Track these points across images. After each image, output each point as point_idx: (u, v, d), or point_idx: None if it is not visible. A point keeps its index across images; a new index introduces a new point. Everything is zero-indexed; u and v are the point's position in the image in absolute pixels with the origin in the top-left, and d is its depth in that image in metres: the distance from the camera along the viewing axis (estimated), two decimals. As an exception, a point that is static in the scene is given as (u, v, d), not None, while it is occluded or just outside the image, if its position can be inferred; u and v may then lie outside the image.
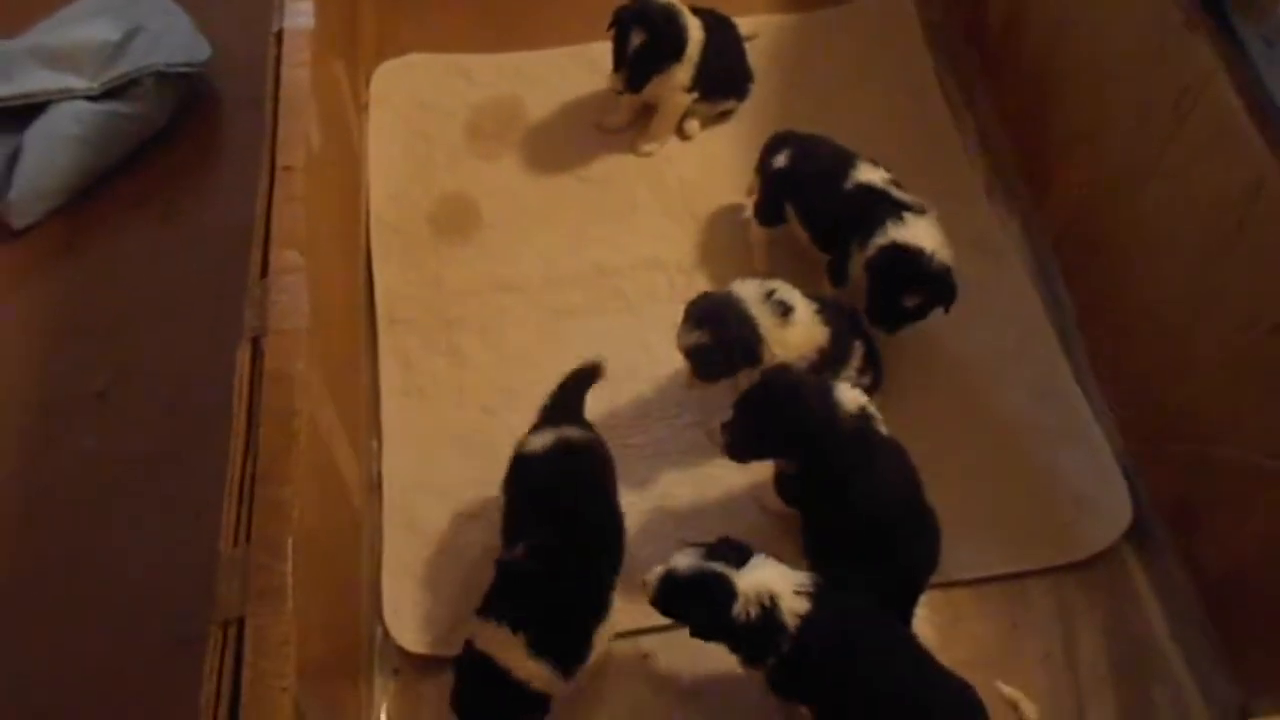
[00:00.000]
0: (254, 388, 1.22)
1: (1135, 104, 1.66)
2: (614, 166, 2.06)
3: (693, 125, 2.10)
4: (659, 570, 1.39)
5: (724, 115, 2.13)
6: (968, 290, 1.89)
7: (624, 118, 2.09)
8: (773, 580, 1.37)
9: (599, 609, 1.46)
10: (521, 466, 1.54)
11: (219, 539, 1.17)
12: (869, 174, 1.79)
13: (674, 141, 2.10)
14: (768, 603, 1.35)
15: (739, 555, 1.38)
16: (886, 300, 1.70)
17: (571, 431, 1.55)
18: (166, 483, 1.76)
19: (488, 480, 1.68)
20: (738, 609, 1.34)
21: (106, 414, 1.86)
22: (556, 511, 1.48)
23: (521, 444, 1.56)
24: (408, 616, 1.59)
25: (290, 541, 1.11)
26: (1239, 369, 1.49)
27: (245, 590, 1.09)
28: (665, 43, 1.93)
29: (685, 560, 1.38)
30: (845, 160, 1.81)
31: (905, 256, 1.68)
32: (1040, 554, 1.65)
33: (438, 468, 1.73)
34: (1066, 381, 1.81)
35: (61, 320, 1.97)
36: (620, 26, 1.92)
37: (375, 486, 1.70)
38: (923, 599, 1.61)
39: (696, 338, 1.57)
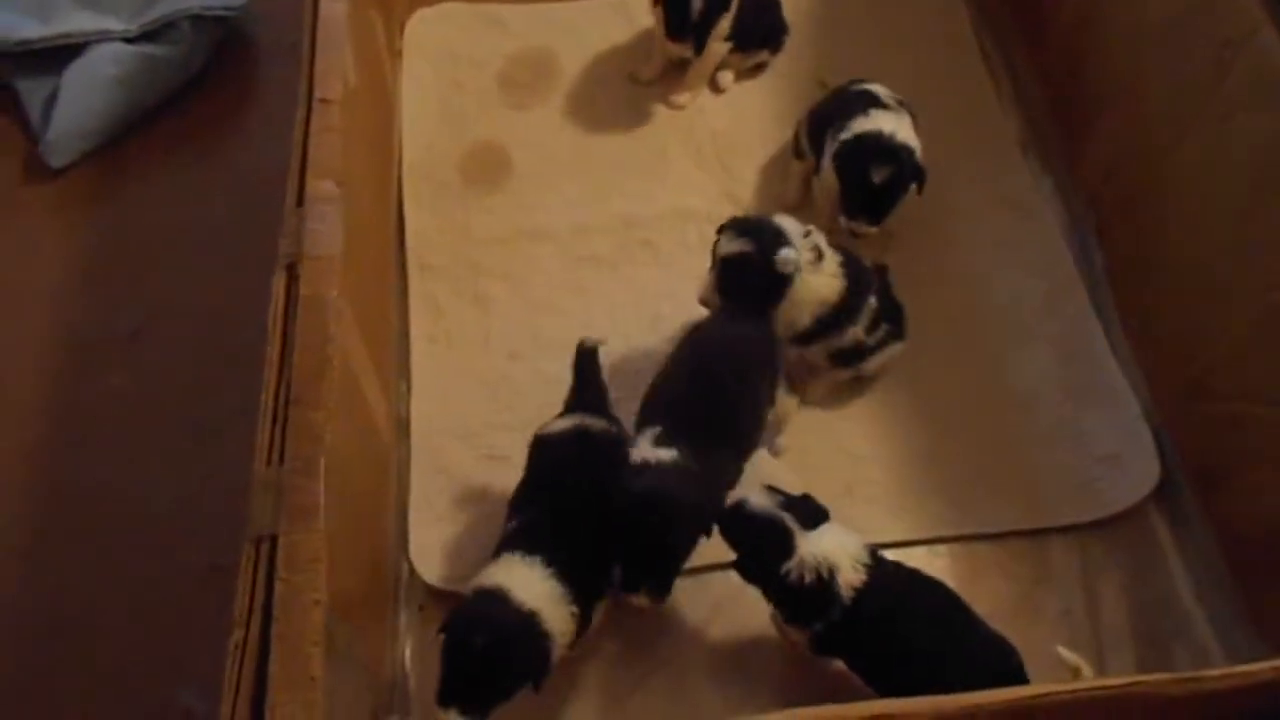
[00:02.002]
0: (288, 314, 1.23)
1: (1175, 58, 1.64)
2: (646, 118, 2.06)
3: (726, 77, 2.09)
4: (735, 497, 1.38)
5: (757, 69, 2.12)
6: (998, 245, 1.90)
7: (657, 69, 2.08)
8: (835, 552, 1.35)
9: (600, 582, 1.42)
10: (540, 447, 1.53)
11: (250, 467, 1.19)
12: (872, 89, 1.82)
13: (706, 94, 2.10)
14: (825, 574, 1.33)
15: (813, 516, 1.37)
16: (854, 185, 1.72)
17: (591, 421, 1.52)
18: (198, 419, 1.78)
19: (513, 424, 1.70)
20: (791, 570, 1.33)
21: (139, 352, 1.88)
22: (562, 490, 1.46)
23: (543, 427, 1.54)
24: (433, 554, 1.60)
25: (322, 462, 1.12)
26: (1270, 327, 1.47)
27: (278, 508, 1.10)
28: None
29: (759, 499, 1.37)
30: (863, 92, 1.83)
31: (865, 139, 1.72)
32: (1064, 511, 1.64)
33: (464, 411, 1.74)
34: (1096, 339, 1.80)
35: (96, 259, 2.00)
36: None
37: (403, 427, 1.72)
38: (943, 550, 1.63)
39: (740, 245, 1.54)
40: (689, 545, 1.38)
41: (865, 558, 1.37)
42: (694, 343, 1.55)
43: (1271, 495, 1.49)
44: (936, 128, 1.87)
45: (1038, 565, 1.62)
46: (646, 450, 1.40)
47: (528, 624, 1.30)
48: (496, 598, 1.31)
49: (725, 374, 1.48)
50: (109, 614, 1.63)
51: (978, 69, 2.12)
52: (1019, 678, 1.35)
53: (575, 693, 1.50)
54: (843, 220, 1.78)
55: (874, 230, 1.77)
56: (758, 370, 1.52)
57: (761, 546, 1.36)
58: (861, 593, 1.34)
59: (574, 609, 1.34)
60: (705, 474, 1.40)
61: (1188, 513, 1.64)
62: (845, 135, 1.75)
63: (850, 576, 1.34)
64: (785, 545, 1.34)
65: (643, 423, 1.47)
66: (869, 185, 1.71)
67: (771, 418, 1.60)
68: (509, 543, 1.41)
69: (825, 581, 1.33)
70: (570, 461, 1.48)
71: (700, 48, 1.96)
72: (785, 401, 1.63)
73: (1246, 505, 1.54)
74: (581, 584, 1.37)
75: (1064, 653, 1.38)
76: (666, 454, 1.38)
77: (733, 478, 1.48)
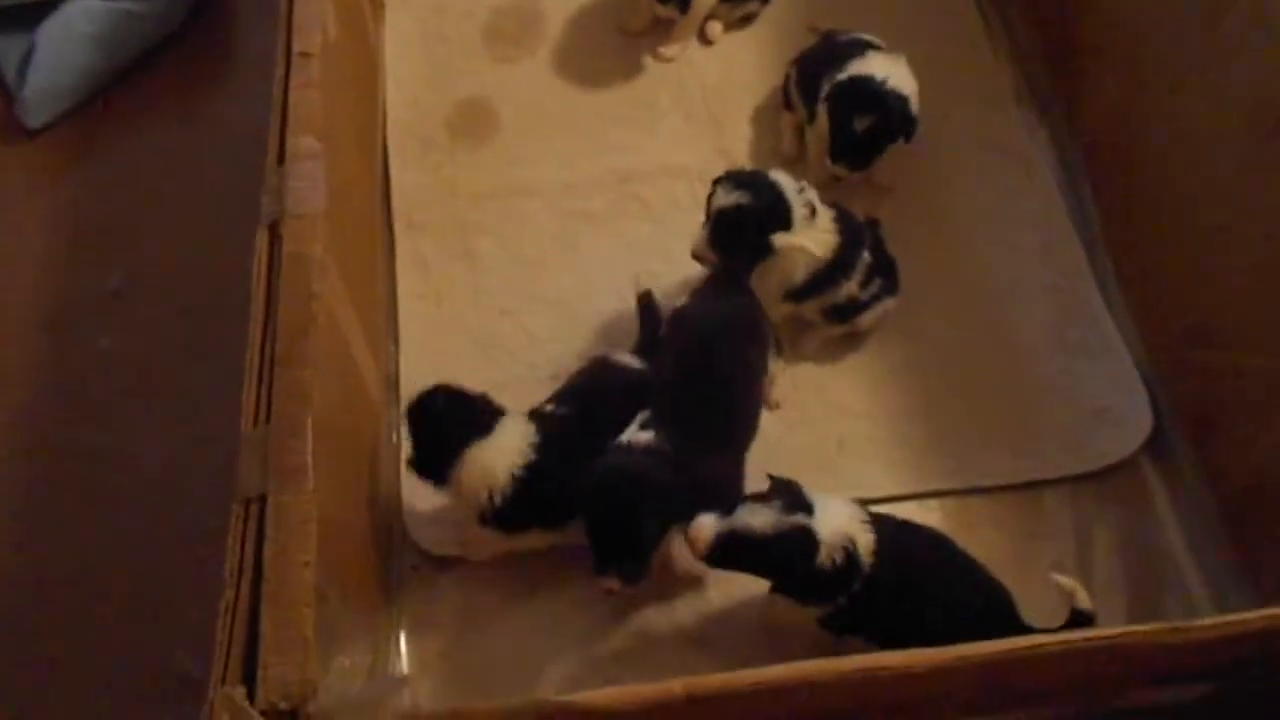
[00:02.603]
0: (272, 272, 1.21)
1: (1171, 5, 1.61)
2: (635, 70, 2.03)
3: (715, 29, 2.05)
4: (713, 526, 1.29)
5: (746, 19, 2.08)
6: (992, 197, 1.88)
7: (645, 20, 2.04)
8: (847, 522, 1.32)
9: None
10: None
11: (237, 429, 1.18)
12: (864, 38, 1.81)
13: (695, 46, 2.06)
14: (850, 546, 1.30)
15: (803, 500, 1.32)
16: (839, 129, 1.71)
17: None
18: (182, 380, 1.78)
19: (505, 383, 1.68)
20: (823, 560, 1.29)
21: (121, 313, 1.87)
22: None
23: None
24: (425, 517, 1.59)
25: (310, 422, 1.11)
26: (1269, 275, 1.46)
27: (266, 469, 1.09)
28: None
29: (761, 517, 1.29)
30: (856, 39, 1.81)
31: (855, 83, 1.71)
32: (1057, 463, 1.64)
33: (455, 370, 1.70)
34: (1090, 290, 1.78)
35: (77, 220, 1.97)
36: None
37: (393, 387, 1.70)
38: (935, 504, 1.63)
39: (736, 198, 1.53)
40: (657, 527, 1.34)
41: (865, 517, 1.35)
42: (680, 325, 1.51)
43: (1265, 446, 1.49)
44: (929, 77, 1.83)
45: (1031, 518, 1.62)
46: (630, 432, 1.37)
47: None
48: None
49: (714, 356, 1.45)
50: (103, 576, 1.63)
51: (971, 17, 2.09)
52: (1015, 618, 1.38)
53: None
54: (827, 163, 1.76)
55: (854, 175, 1.77)
56: (747, 348, 1.50)
57: (792, 559, 1.30)
58: (877, 554, 1.32)
59: None
60: (688, 458, 1.36)
61: (1181, 464, 1.63)
62: (840, 77, 1.73)
63: (865, 541, 1.32)
64: (810, 544, 1.29)
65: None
66: (851, 132, 1.69)
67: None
68: None
69: (850, 553, 1.30)
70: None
71: (685, 6, 1.94)
72: (773, 364, 1.61)
73: (1240, 456, 1.54)
74: None
75: (1057, 578, 1.39)
76: (643, 435, 1.36)
77: (734, 466, 1.45)
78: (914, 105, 1.75)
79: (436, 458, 1.42)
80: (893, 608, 1.34)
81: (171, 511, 1.67)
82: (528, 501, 1.42)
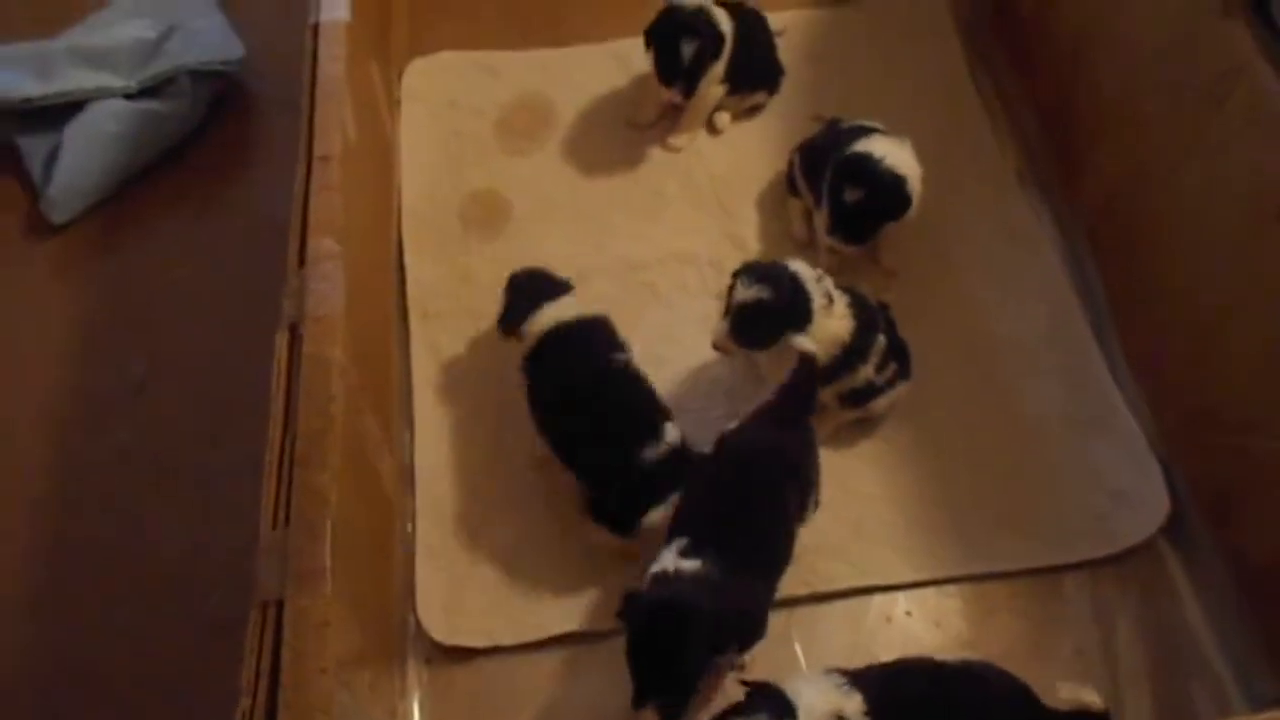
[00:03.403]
0: (292, 373, 1.23)
1: (1169, 91, 1.65)
2: (644, 161, 2.07)
3: (723, 119, 2.10)
4: None
5: (754, 110, 2.13)
6: (999, 278, 1.90)
7: (653, 113, 2.10)
8: (830, 701, 1.24)
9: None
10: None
11: (254, 526, 1.19)
12: (868, 125, 1.85)
13: (703, 136, 2.10)
14: None
15: (786, 704, 1.23)
16: (833, 201, 1.74)
17: None
18: (201, 474, 1.78)
19: (521, 471, 1.70)
20: None
21: (143, 407, 1.88)
22: None
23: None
24: (439, 608, 1.59)
25: (329, 525, 1.12)
26: (1277, 360, 1.47)
27: (284, 572, 1.10)
28: (711, 43, 1.94)
29: None
30: (859, 126, 1.86)
31: (852, 159, 1.75)
32: (1074, 547, 1.63)
33: (470, 459, 1.74)
34: (1100, 371, 1.79)
35: (99, 314, 2.00)
36: (664, 40, 1.92)
37: (408, 477, 1.71)
38: (953, 590, 1.62)
39: (756, 292, 1.54)
40: (704, 659, 1.29)
41: (845, 681, 1.28)
42: (722, 453, 1.49)
43: (1282, 528, 1.48)
44: (933, 160, 1.87)
45: (1050, 603, 1.60)
46: (669, 560, 1.34)
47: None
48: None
49: (756, 489, 1.43)
50: (114, 671, 1.62)
51: (972, 101, 2.13)
52: (1038, 708, 1.33)
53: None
54: (824, 237, 1.80)
55: (850, 250, 1.79)
56: (790, 483, 1.47)
57: None
58: (869, 714, 1.25)
59: None
60: (730, 589, 1.32)
61: (1200, 546, 1.62)
62: (845, 153, 1.78)
63: (854, 707, 1.24)
64: None
65: (671, 534, 1.41)
66: (844, 202, 1.73)
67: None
68: None
69: None
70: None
71: (689, 92, 1.98)
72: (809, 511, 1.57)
73: (1258, 537, 1.53)
74: None
75: (1065, 689, 1.35)
76: (689, 564, 1.32)
77: (765, 597, 1.42)
78: (913, 186, 1.78)
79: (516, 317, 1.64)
80: None
81: (187, 604, 1.67)
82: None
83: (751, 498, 1.43)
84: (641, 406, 1.60)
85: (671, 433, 1.57)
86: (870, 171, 1.74)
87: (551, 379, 1.63)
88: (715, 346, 1.59)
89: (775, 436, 1.50)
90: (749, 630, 1.35)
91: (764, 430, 1.50)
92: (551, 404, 1.62)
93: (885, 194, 1.75)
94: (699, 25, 1.92)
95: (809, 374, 1.54)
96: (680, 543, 1.36)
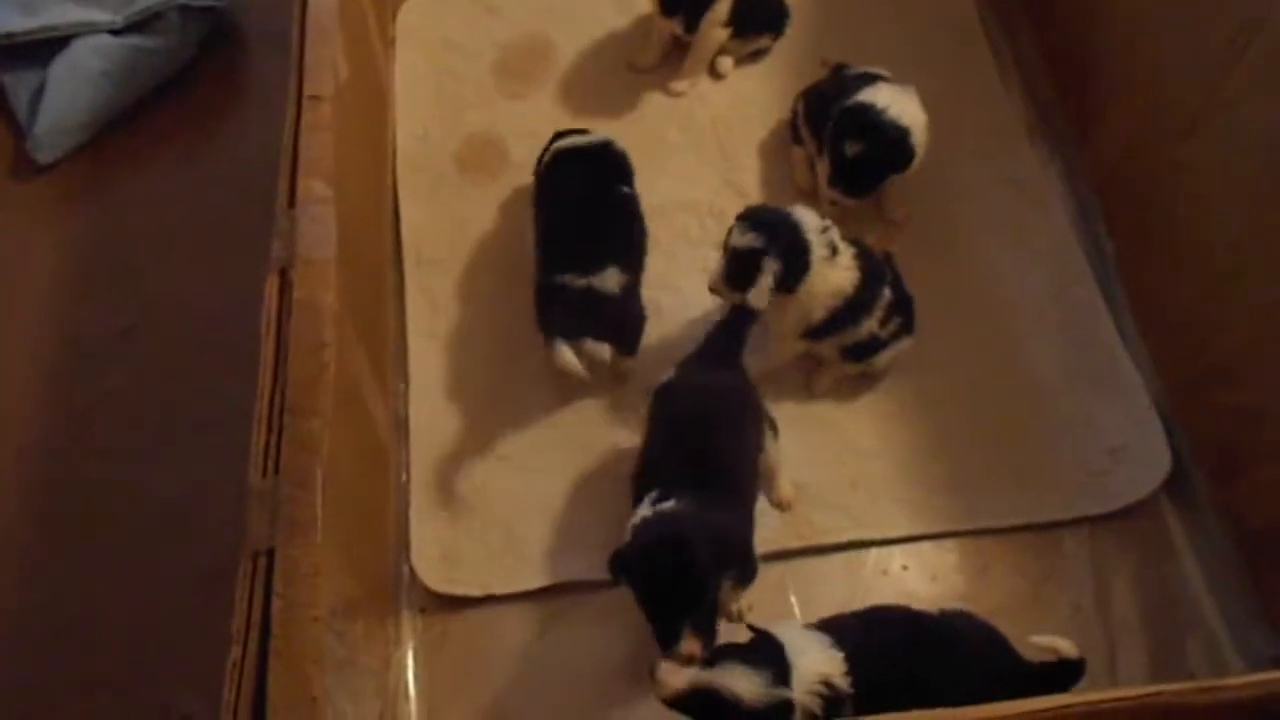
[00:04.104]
0: (282, 319, 1.20)
1: (1188, 41, 1.60)
2: (645, 106, 2.02)
3: (725, 63, 2.05)
4: (685, 675, 1.22)
5: (757, 54, 2.08)
6: (1005, 232, 1.87)
7: (655, 56, 2.04)
8: (819, 664, 1.24)
9: None
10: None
11: (246, 473, 1.17)
12: (874, 71, 1.81)
13: (706, 81, 2.05)
14: (826, 690, 1.23)
15: (775, 650, 1.24)
16: (833, 154, 1.71)
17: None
18: (195, 417, 1.76)
19: (513, 422, 1.68)
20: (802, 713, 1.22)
21: (134, 350, 1.85)
22: None
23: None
24: (434, 557, 1.59)
25: (320, 473, 1.09)
26: (1289, 318, 1.45)
27: (275, 521, 1.08)
28: None
29: (744, 684, 1.20)
30: (865, 72, 1.82)
31: (854, 110, 1.71)
32: (1074, 504, 1.62)
33: (465, 409, 1.71)
34: (1105, 328, 1.77)
35: (87, 257, 1.96)
36: None
37: (403, 427, 1.69)
38: (951, 545, 1.61)
39: (750, 240, 1.51)
40: (715, 579, 1.29)
41: (829, 640, 1.27)
42: (669, 402, 1.49)
43: (1284, 488, 1.47)
44: (940, 111, 1.83)
45: (1047, 559, 1.60)
46: (645, 510, 1.34)
47: None
48: None
49: (710, 426, 1.43)
50: (107, 616, 1.62)
51: (983, 52, 2.08)
52: (1014, 659, 1.33)
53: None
54: (824, 187, 1.76)
55: (850, 202, 1.76)
56: (741, 416, 1.48)
57: None
58: (851, 670, 1.25)
59: None
60: (709, 517, 1.33)
61: (1200, 505, 1.61)
62: (847, 103, 1.73)
63: (837, 666, 1.24)
64: (787, 711, 1.21)
65: (639, 493, 1.41)
66: (844, 155, 1.69)
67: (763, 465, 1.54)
68: None
69: (829, 694, 1.23)
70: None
71: (691, 26, 1.92)
72: (771, 448, 1.55)
73: (1260, 498, 1.52)
74: None
75: (1038, 640, 1.34)
76: (666, 505, 1.33)
77: (745, 524, 1.42)
78: (918, 138, 1.74)
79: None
80: (889, 702, 1.30)
81: (178, 551, 1.65)
82: None
83: (710, 435, 1.43)
84: (602, 241, 1.64)
85: (609, 279, 1.59)
86: (872, 123, 1.70)
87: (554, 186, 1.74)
88: (711, 289, 1.57)
89: (718, 375, 1.50)
90: (740, 551, 1.35)
91: (704, 372, 1.51)
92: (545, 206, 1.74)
93: (888, 147, 1.71)
94: None
95: (742, 319, 1.54)
96: (651, 495, 1.36)
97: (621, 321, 1.64)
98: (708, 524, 1.31)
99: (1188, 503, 1.63)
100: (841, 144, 1.71)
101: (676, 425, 1.45)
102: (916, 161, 1.75)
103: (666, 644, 1.27)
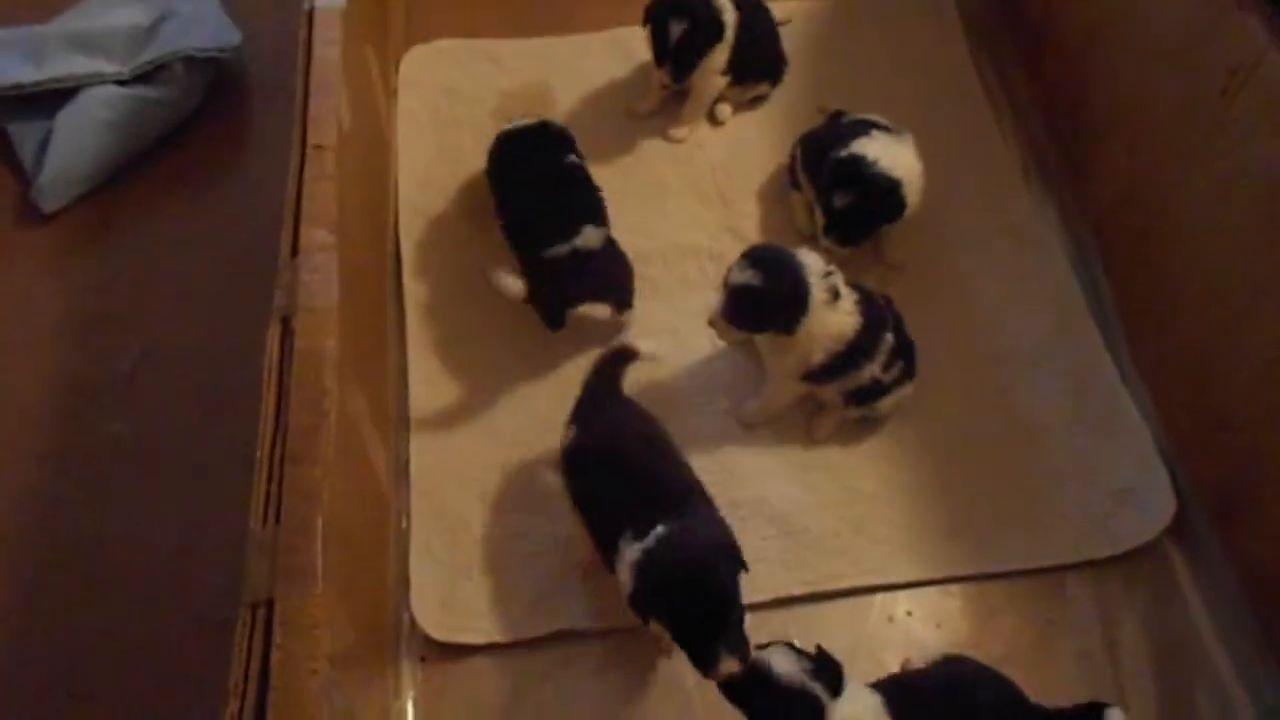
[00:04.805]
0: (284, 367, 1.20)
1: (1182, 85, 1.62)
2: (644, 151, 2.04)
3: (724, 110, 2.07)
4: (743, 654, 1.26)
5: (756, 101, 2.10)
6: (1003, 276, 1.88)
7: (654, 102, 2.07)
8: (864, 716, 1.27)
9: None
10: None
11: (246, 520, 1.16)
12: (870, 118, 1.83)
13: (705, 127, 2.08)
14: None
15: (835, 679, 1.27)
16: (825, 204, 1.72)
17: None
18: (193, 465, 1.76)
19: (516, 466, 1.67)
20: None
21: (134, 397, 1.85)
22: None
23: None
24: (434, 604, 1.57)
25: (320, 522, 1.09)
26: (1289, 359, 1.45)
27: (274, 571, 1.07)
28: (705, 28, 1.91)
29: (784, 662, 1.25)
30: (861, 120, 1.84)
31: (845, 161, 1.73)
32: (1079, 547, 1.61)
33: (465, 454, 1.71)
34: (1106, 370, 1.77)
35: (91, 303, 1.97)
36: (658, 19, 1.89)
37: (403, 472, 1.69)
38: (956, 590, 1.60)
39: (748, 277, 1.52)
40: (738, 590, 1.31)
41: (882, 707, 1.29)
42: (588, 455, 1.50)
43: (1290, 530, 1.46)
44: (937, 156, 1.85)
45: (1054, 604, 1.58)
46: (634, 553, 1.33)
47: None
48: None
49: (642, 454, 1.46)
50: (105, 664, 1.60)
51: (978, 98, 2.11)
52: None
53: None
54: (820, 236, 1.78)
55: (844, 251, 1.78)
56: (658, 434, 1.52)
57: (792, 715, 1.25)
58: None
59: None
60: (695, 526, 1.36)
61: (1205, 548, 1.60)
62: (838, 155, 1.75)
63: None
64: (816, 714, 1.24)
65: (608, 542, 1.41)
66: (832, 208, 1.71)
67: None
68: None
69: None
70: None
71: (678, 76, 1.94)
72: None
73: (1266, 541, 1.51)
74: None
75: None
76: (653, 537, 1.33)
77: (718, 517, 1.44)
78: (910, 188, 1.75)
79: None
80: None
81: (176, 599, 1.64)
82: None
83: (648, 461, 1.46)
84: (568, 207, 1.72)
85: (589, 236, 1.69)
86: (863, 176, 1.72)
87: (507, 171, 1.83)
88: (710, 324, 1.58)
89: (614, 410, 1.55)
90: (737, 550, 1.36)
91: (600, 414, 1.54)
92: (503, 192, 1.81)
93: (878, 198, 1.73)
94: (694, 7, 1.89)
95: (617, 359, 1.59)
96: (625, 538, 1.36)
97: (613, 275, 1.76)
98: (708, 539, 1.33)
99: (1193, 546, 1.61)
100: (833, 196, 1.73)
101: (610, 469, 1.46)
102: (910, 210, 1.77)
103: (706, 668, 1.27)
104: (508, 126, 1.85)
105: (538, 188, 1.78)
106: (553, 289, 1.69)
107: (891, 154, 1.74)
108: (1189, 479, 1.65)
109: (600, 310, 1.70)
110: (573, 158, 1.83)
